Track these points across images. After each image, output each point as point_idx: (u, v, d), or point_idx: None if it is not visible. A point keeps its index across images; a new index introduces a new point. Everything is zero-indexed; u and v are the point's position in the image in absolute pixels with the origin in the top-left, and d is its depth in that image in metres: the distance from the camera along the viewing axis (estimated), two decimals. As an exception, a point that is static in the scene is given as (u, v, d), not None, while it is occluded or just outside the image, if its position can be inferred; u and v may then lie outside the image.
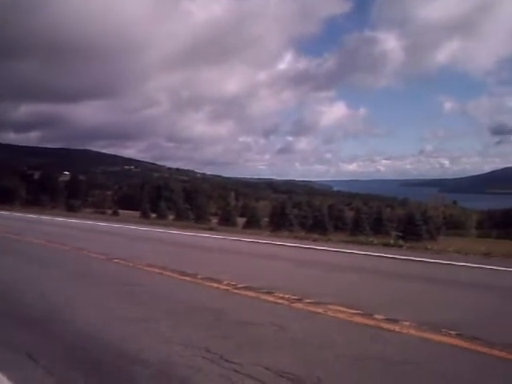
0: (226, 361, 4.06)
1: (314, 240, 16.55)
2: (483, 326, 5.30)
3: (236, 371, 3.82)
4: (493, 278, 9.17)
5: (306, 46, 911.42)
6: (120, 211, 67.76)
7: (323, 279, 8.78)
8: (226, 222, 45.47)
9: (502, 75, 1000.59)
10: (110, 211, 66.88)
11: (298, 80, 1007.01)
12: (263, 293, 6.97)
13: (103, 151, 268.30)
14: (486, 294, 7.50)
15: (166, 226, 26.16)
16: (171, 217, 56.14)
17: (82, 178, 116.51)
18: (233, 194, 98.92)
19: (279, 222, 45.93)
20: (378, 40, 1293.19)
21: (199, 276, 8.39)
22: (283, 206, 53.74)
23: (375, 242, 15.32)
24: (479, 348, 4.44)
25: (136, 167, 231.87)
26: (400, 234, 39.07)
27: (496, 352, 4.33)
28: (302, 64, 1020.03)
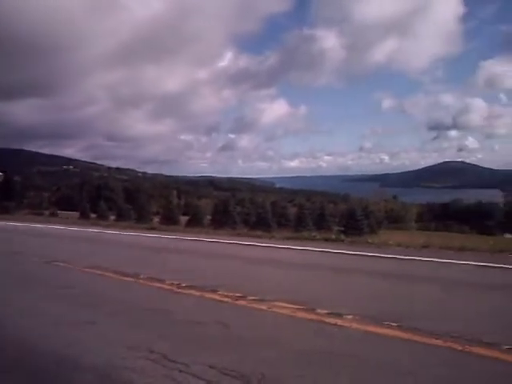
0: (170, 361, 4.00)
1: (258, 237, 16.67)
2: (423, 316, 5.45)
3: (181, 371, 3.77)
4: (431, 269, 9.49)
5: (247, 44, 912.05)
6: (59, 212, 65.79)
7: (267, 276, 8.85)
8: (168, 220, 44.93)
9: (437, 74, 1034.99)
10: (47, 212, 64.80)
11: (239, 78, 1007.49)
12: (207, 291, 6.94)
13: (40, 151, 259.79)
14: (425, 285, 7.74)
15: (106, 226, 25.68)
16: (112, 217, 54.95)
17: (16, 178, 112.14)
18: (175, 193, 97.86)
19: (222, 220, 45.78)
20: (318, 38, 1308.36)
21: (142, 276, 8.27)
22: (226, 204, 53.57)
23: (318, 237, 15.57)
24: (419, 338, 4.57)
25: (75, 167, 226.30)
26: (342, 229, 39.74)
27: (435, 341, 4.48)
28: (243, 62, 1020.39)
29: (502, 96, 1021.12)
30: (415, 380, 3.61)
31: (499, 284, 7.79)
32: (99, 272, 8.92)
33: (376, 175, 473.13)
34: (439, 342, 4.43)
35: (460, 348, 4.28)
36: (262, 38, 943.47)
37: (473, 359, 4.04)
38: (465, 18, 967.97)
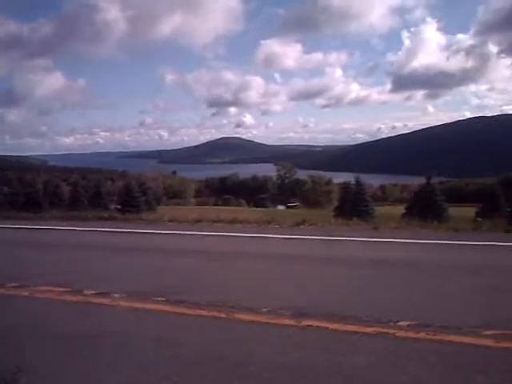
0: None
1: (25, 219, 15.43)
2: (189, 290, 5.59)
3: None
4: (201, 242, 9.82)
5: (17, 9, 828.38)
6: None
7: (30, 260, 8.19)
8: None
9: (219, 51, 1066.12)
10: None
11: (8, 46, 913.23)
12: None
13: None
14: (193, 259, 7.89)
15: None
16: None
17: None
18: None
19: (-14, 202, 41.67)
20: (100, 8, 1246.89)
21: None
22: (-12, 184, 48.88)
23: (90, 216, 15.00)
24: (185, 310, 4.69)
25: None
26: (119, 207, 39.15)
27: (200, 311, 4.64)
28: (12, 28, 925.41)
29: (278, 75, 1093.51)
30: (183, 350, 3.69)
31: (262, 253, 8.34)
32: None
33: (155, 151, 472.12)
34: (204, 312, 4.61)
35: (224, 316, 4.49)
36: (35, 4, 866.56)
37: (235, 324, 4.29)
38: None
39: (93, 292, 5.46)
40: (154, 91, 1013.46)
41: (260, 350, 3.65)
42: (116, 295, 5.29)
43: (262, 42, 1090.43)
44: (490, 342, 3.68)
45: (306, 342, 3.83)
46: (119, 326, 4.30)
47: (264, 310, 4.62)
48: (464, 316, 4.30)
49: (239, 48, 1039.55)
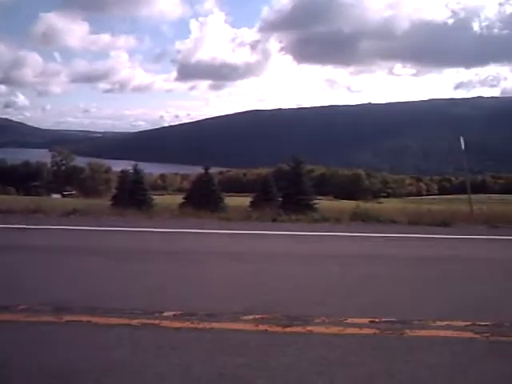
0: None
1: None
2: None
3: None
4: None
5: None
6: None
7: None
8: None
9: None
10: None
11: None
12: None
13: None
14: None
15: None
16: None
17: None
18: None
19: None
20: None
21: None
22: None
23: None
24: None
25: None
26: None
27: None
28: None
29: (59, 54, 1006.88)
30: None
31: (21, 245, 7.59)
32: None
33: None
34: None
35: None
36: None
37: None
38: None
39: None
40: None
41: (16, 353, 3.36)
42: None
43: (42, 15, 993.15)
44: (249, 326, 3.87)
45: (66, 338, 3.64)
46: None
47: (21, 307, 4.26)
48: (228, 303, 4.46)
49: (13, 18, 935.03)
